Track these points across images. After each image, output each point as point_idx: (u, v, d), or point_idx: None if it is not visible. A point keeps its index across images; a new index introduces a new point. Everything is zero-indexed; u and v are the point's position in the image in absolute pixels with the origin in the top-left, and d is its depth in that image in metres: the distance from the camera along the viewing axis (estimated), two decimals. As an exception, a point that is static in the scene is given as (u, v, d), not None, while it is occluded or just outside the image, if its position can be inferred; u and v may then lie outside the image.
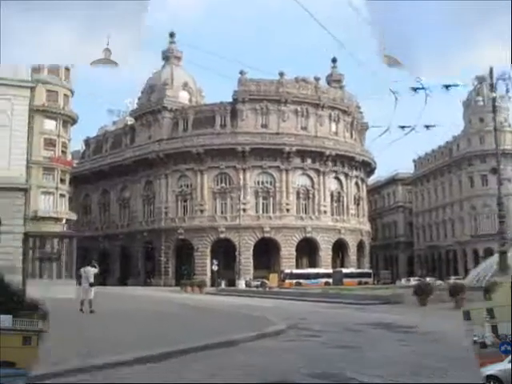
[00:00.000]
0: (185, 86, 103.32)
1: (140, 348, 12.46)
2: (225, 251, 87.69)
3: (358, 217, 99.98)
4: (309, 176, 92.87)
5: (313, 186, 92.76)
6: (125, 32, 5.46)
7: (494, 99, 36.20)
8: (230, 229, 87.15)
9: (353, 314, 27.86)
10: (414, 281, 69.43)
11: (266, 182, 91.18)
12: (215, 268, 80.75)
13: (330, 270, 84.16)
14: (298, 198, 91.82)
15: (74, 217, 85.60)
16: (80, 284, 26.21)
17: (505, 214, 38.36)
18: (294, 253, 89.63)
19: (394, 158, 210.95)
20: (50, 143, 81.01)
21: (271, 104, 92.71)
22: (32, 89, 47.21)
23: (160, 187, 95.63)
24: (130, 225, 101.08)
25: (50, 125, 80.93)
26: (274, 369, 10.73)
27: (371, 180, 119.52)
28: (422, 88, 24.27)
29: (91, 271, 24.82)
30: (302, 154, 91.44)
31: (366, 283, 77.88)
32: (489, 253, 77.06)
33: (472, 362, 10.74)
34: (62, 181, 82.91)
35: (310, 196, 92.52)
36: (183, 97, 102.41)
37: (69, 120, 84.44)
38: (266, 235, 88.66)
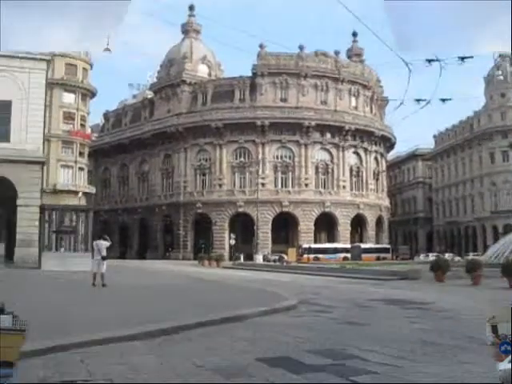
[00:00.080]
0: (204, 59, 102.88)
1: (132, 325, 12.25)
2: (243, 225, 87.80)
3: (377, 192, 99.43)
4: (328, 151, 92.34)
5: (332, 161, 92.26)
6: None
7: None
8: (248, 203, 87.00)
9: (367, 289, 27.66)
10: (432, 256, 69.07)
11: (285, 157, 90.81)
12: (233, 242, 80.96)
13: (349, 245, 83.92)
14: (316, 172, 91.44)
15: (92, 190, 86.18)
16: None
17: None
18: (313, 227, 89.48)
19: (414, 133, 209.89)
20: (68, 116, 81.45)
21: (290, 78, 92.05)
22: (48, 62, 47.07)
23: (179, 161, 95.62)
24: (148, 198, 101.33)
25: (68, 98, 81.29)
26: (275, 345, 10.57)
27: (391, 155, 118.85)
28: (437, 60, 23.73)
29: (103, 244, 24.68)
30: (322, 128, 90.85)
31: (384, 258, 77.70)
32: (508, 229, 76.68)
33: (481, 341, 10.58)
34: (81, 154, 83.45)
35: (329, 171, 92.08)
36: (202, 70, 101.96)
37: (87, 93, 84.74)
38: (285, 210, 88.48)
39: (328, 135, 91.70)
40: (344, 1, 19.34)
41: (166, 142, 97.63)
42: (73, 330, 11.30)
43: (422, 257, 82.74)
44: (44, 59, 45.56)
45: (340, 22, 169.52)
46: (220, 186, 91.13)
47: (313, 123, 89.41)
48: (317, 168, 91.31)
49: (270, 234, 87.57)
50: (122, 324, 12.39)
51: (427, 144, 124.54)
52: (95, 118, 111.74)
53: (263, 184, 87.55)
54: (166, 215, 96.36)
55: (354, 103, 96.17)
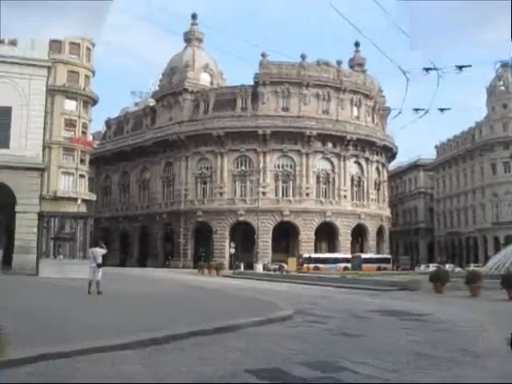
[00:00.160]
0: (206, 68, 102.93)
1: (124, 334, 12.15)
2: (243, 234, 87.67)
3: (378, 202, 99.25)
4: (329, 160, 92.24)
5: (333, 170, 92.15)
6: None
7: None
8: (249, 212, 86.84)
9: (365, 299, 27.50)
10: (433, 267, 68.86)
11: (286, 166, 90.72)
12: (233, 251, 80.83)
13: (349, 255, 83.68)
14: (318, 182, 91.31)
15: (93, 197, 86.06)
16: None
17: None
18: (313, 237, 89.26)
19: (416, 143, 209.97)
20: (70, 123, 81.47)
21: (292, 87, 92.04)
22: (49, 68, 47.05)
23: (180, 169, 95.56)
24: (149, 206, 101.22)
25: (70, 105, 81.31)
26: (268, 355, 10.44)
27: (392, 165, 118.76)
28: (434, 69, 23.67)
29: (99, 252, 24.61)
30: (323, 137, 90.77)
31: (384, 269, 77.42)
32: (510, 240, 76.55)
33: (474, 354, 10.46)
34: (82, 161, 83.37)
35: (330, 180, 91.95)
36: (204, 79, 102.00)
37: (89, 100, 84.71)
38: (286, 219, 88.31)
39: (329, 145, 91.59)
40: (345, 12, 19.30)
41: (168, 149, 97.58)
42: (65, 339, 11.21)
43: (422, 267, 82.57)
44: (45, 66, 45.54)
45: (342, 31, 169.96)
46: (221, 194, 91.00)
47: (314, 132, 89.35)
48: (318, 177, 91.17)
49: (270, 243, 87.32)
50: (115, 333, 12.29)
51: (429, 154, 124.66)
52: (97, 126, 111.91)
53: (264, 193, 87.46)
54: (166, 223, 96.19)
55: (355, 113, 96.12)
